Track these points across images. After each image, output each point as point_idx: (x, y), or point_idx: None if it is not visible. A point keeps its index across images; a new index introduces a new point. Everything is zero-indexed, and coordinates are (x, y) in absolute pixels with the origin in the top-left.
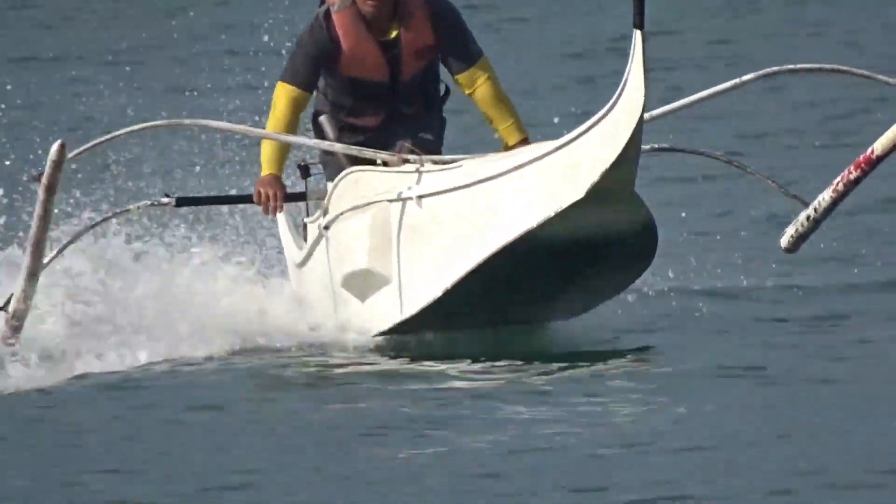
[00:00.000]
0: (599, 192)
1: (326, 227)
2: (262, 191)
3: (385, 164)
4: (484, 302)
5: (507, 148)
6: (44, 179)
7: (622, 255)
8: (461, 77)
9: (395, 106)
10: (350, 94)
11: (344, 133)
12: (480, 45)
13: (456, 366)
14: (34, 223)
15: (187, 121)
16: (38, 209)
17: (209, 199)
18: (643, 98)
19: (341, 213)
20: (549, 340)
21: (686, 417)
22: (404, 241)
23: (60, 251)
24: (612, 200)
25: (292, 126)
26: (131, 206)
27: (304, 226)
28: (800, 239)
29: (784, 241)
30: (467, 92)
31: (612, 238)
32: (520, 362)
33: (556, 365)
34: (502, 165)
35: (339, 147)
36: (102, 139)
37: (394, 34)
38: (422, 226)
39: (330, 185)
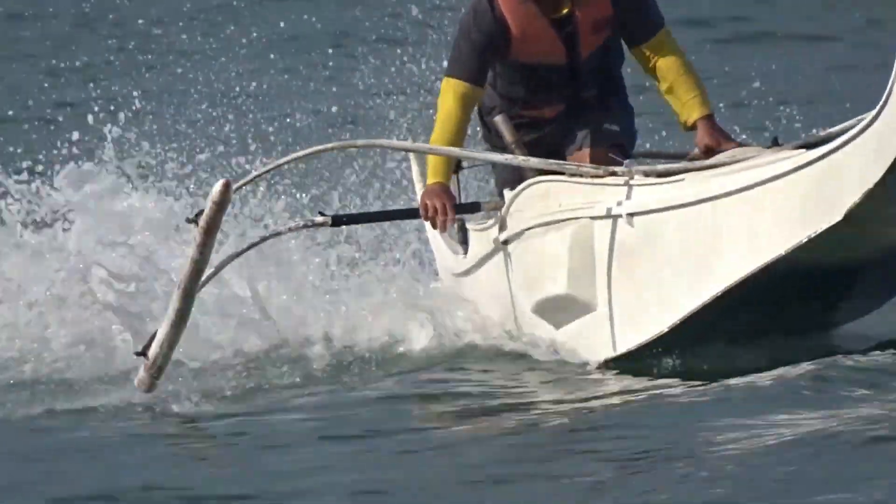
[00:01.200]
0: (860, 215)
1: (506, 242)
2: (429, 203)
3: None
4: (714, 335)
5: (688, 126)
6: (202, 221)
7: (878, 282)
8: (641, 50)
9: (575, 91)
10: (524, 84)
11: (521, 130)
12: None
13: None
14: (188, 265)
15: (360, 142)
16: (193, 252)
17: (370, 215)
18: None
19: (528, 228)
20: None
21: None
22: (614, 264)
23: (202, 285)
24: (874, 223)
25: (464, 125)
26: (282, 229)
27: (464, 229)
28: None
29: None
30: (647, 67)
31: (869, 265)
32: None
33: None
34: (737, 181)
35: (535, 162)
36: (267, 168)
37: (566, 9)
38: (635, 248)
39: (507, 194)
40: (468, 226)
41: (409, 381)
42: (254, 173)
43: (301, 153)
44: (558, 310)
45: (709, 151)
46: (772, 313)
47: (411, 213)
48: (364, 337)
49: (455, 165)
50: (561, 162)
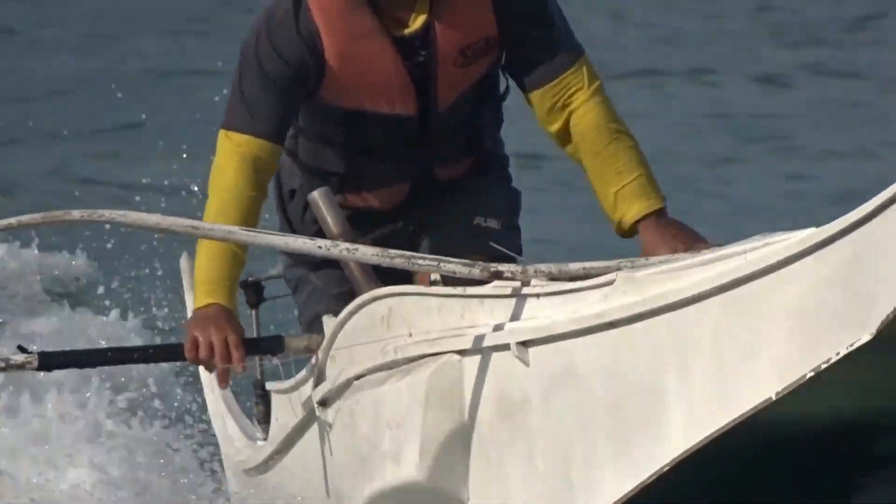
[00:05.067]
0: None
1: (324, 404)
2: (200, 337)
3: (438, 280)
4: None
5: (624, 232)
6: None
7: None
8: (537, 96)
9: (427, 163)
10: (339, 149)
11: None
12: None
13: None
14: None
15: (76, 213)
16: None
17: (101, 354)
18: None
19: (358, 377)
20: None
21: None
22: (496, 429)
23: None
24: None
25: (254, 207)
26: None
27: (266, 396)
28: None
29: None
30: (551, 127)
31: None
32: None
33: None
34: (693, 284)
35: (363, 253)
36: None
37: (419, 21)
38: (530, 400)
39: (328, 322)
40: (269, 386)
41: None
42: None
43: None
44: None
45: None
46: None
47: (170, 353)
48: None
49: (256, 291)
50: (410, 254)
